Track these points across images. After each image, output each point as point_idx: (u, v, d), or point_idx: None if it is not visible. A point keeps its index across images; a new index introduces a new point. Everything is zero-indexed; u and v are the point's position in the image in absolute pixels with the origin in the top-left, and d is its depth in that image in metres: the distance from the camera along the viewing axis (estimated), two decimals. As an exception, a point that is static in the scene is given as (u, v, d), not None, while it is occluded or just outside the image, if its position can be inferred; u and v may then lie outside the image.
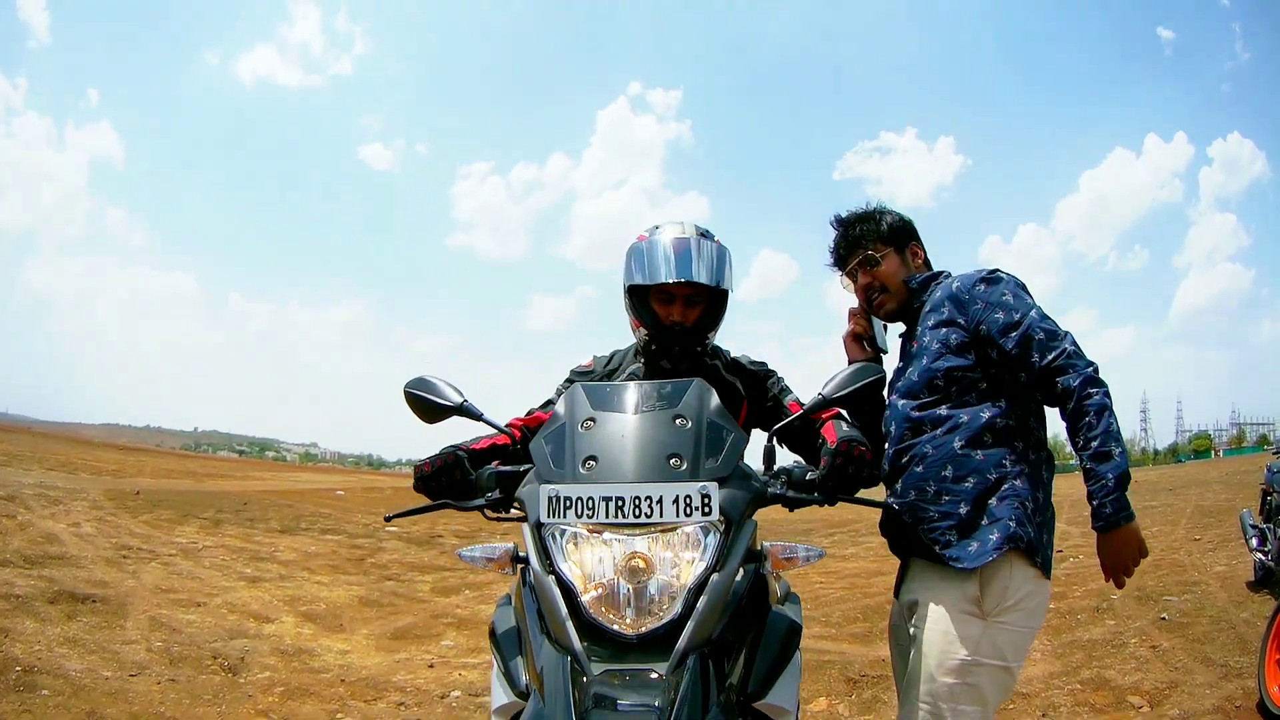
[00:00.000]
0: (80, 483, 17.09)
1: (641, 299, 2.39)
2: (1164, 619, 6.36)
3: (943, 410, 2.26)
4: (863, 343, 2.64)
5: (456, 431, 2.27)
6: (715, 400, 1.80)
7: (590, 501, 1.51)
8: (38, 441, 39.02)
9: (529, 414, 2.47)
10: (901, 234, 2.54)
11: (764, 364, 2.60)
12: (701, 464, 1.60)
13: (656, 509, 1.50)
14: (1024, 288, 2.31)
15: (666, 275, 2.30)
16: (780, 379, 2.57)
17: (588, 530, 1.53)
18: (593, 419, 1.69)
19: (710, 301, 2.39)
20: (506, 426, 2.37)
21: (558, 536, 1.54)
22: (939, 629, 2.13)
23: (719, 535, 1.55)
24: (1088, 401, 2.09)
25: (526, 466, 1.82)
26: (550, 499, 1.54)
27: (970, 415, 2.21)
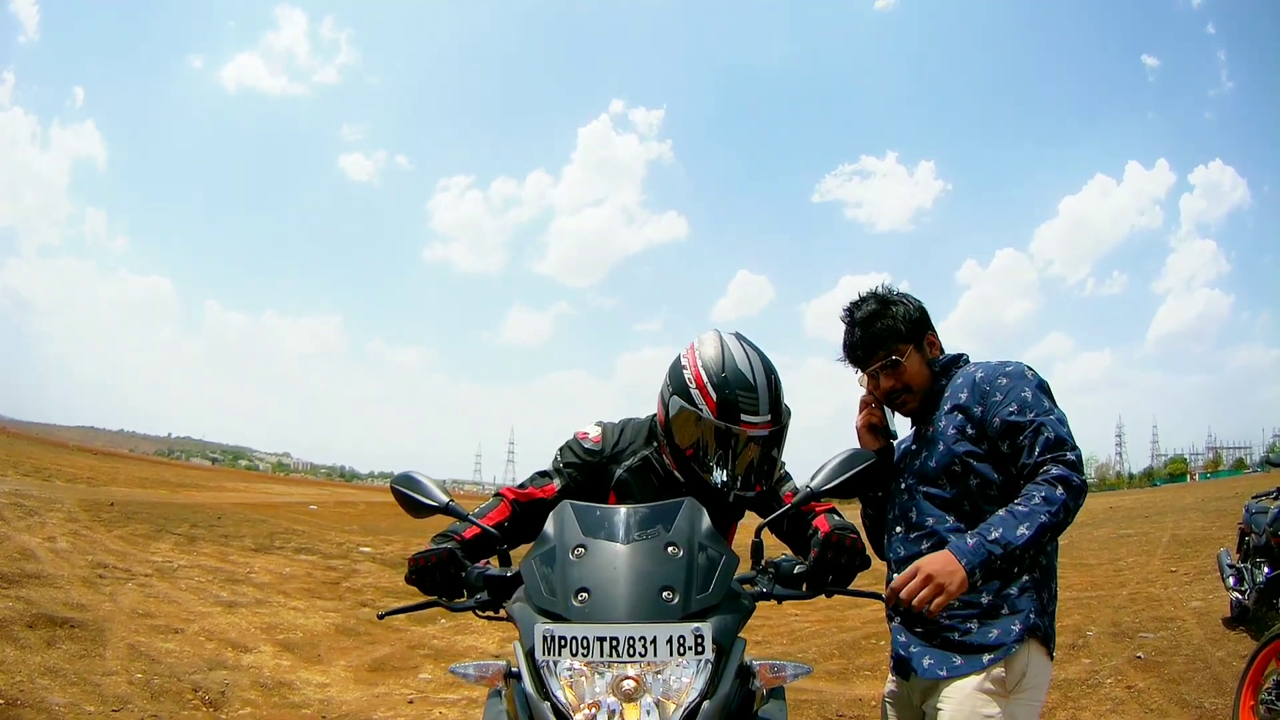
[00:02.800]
0: (55, 491, 16.72)
1: (679, 452, 2.26)
2: (1140, 657, 6.37)
3: (965, 504, 2.23)
4: (877, 432, 2.53)
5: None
6: (706, 521, 1.76)
7: (585, 641, 1.49)
8: (13, 443, 38.19)
9: (521, 487, 2.40)
10: (919, 327, 2.45)
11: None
12: (693, 596, 1.58)
13: (650, 649, 1.48)
14: (1046, 389, 2.24)
15: (710, 470, 2.20)
16: (781, 465, 2.42)
17: (582, 664, 1.51)
18: (583, 546, 1.66)
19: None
20: (497, 496, 2.39)
21: (553, 667, 1.51)
22: (966, 707, 2.11)
23: (710, 667, 1.52)
24: (1058, 487, 2.02)
25: (513, 571, 1.88)
26: (546, 638, 1.50)
27: (992, 508, 2.11)
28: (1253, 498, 7.58)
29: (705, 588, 1.61)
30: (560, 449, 2.47)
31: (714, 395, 2.17)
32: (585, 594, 1.56)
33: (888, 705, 2.43)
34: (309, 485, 66.67)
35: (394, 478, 2.07)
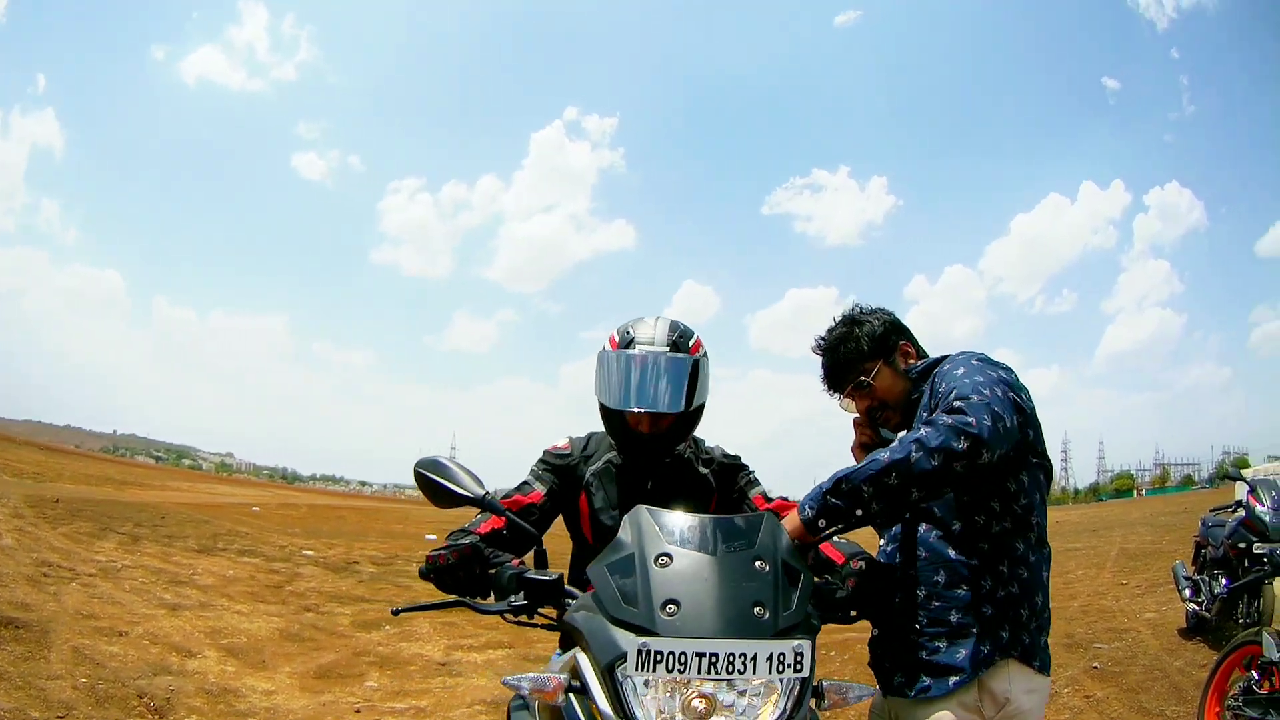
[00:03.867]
0: (2, 486, 16.43)
1: (607, 409, 2.33)
2: (1096, 667, 6.49)
3: (936, 510, 2.11)
4: (868, 452, 2.34)
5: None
6: (786, 537, 1.70)
7: (683, 658, 1.41)
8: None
9: (507, 496, 2.35)
10: (885, 341, 2.39)
11: (738, 457, 2.56)
12: (780, 613, 1.51)
13: (750, 666, 1.42)
14: (983, 365, 2.11)
15: (626, 401, 2.25)
16: (750, 472, 2.53)
17: (668, 681, 1.43)
18: (668, 555, 1.55)
19: (681, 413, 2.30)
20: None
21: (638, 686, 1.42)
22: None
23: (799, 687, 1.48)
24: (922, 429, 1.87)
25: (555, 574, 1.78)
26: (642, 652, 1.40)
27: (964, 520, 2.06)
28: (1210, 511, 7.88)
29: (789, 605, 1.54)
30: (535, 463, 2.48)
31: (619, 336, 2.33)
32: (674, 606, 1.47)
33: (874, 717, 2.29)
34: (252, 486, 65.59)
35: (420, 461, 1.94)
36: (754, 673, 1.42)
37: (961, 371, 2.08)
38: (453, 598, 1.85)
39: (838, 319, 2.50)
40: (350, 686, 6.05)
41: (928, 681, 2.02)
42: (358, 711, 5.47)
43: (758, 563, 1.57)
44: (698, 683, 1.42)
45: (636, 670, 1.41)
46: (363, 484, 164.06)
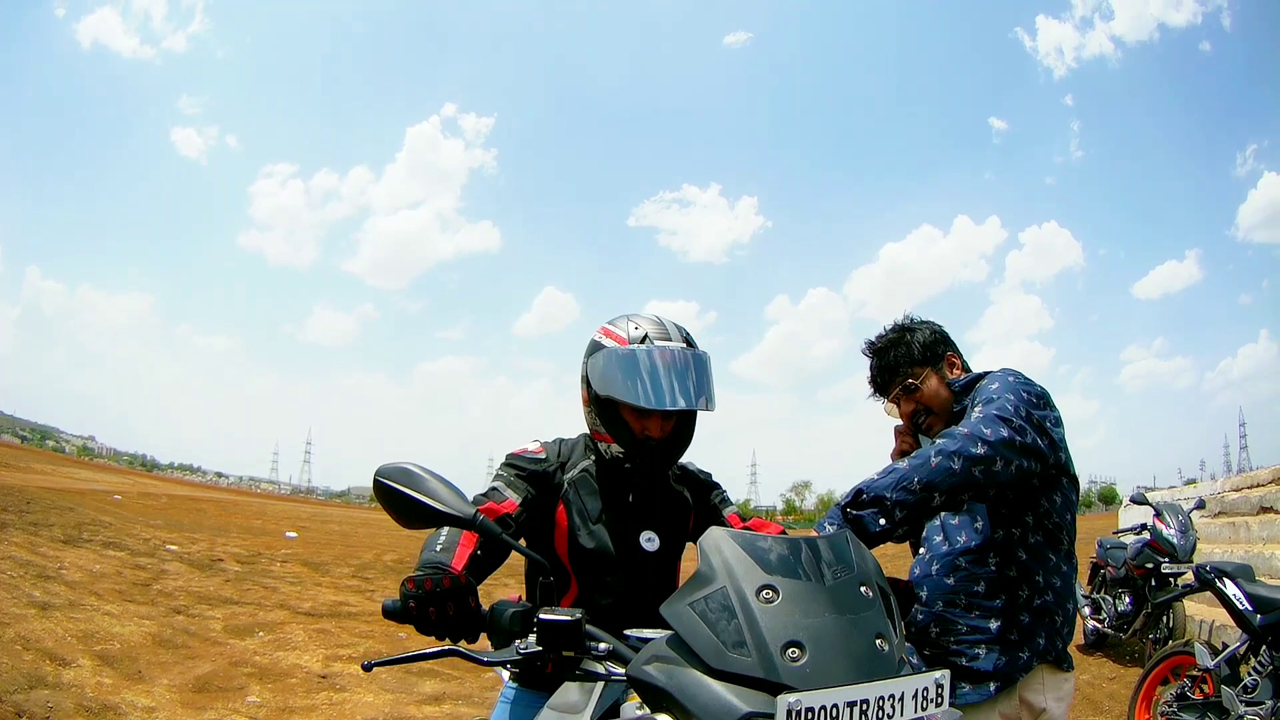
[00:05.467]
0: None
1: (611, 409, 2.10)
2: None
3: (978, 523, 2.19)
4: None
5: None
6: (870, 554, 1.50)
7: (834, 710, 1.17)
8: None
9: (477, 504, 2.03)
10: (935, 350, 2.44)
11: (709, 474, 2.40)
12: (894, 641, 1.33)
13: (897, 708, 1.23)
14: (1018, 386, 2.13)
15: (658, 399, 2.01)
16: (722, 490, 2.37)
17: None
18: (772, 588, 1.28)
19: (685, 415, 2.16)
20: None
21: None
22: None
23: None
24: (938, 439, 1.94)
25: (573, 612, 1.46)
26: (793, 713, 1.14)
27: (1004, 532, 2.12)
28: (1114, 533, 8.54)
29: (899, 631, 1.38)
30: (501, 467, 2.17)
31: (624, 331, 2.11)
32: (796, 650, 1.22)
33: None
34: (112, 472, 62.01)
35: (382, 470, 1.53)
36: (901, 714, 1.24)
37: (995, 386, 2.15)
38: (438, 645, 1.51)
39: (888, 326, 2.55)
40: (232, 701, 6.00)
41: (967, 688, 2.08)
42: (244, 732, 5.46)
43: (863, 588, 1.36)
44: None
45: None
46: (219, 475, 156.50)
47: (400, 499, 1.50)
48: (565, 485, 2.18)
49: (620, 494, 2.19)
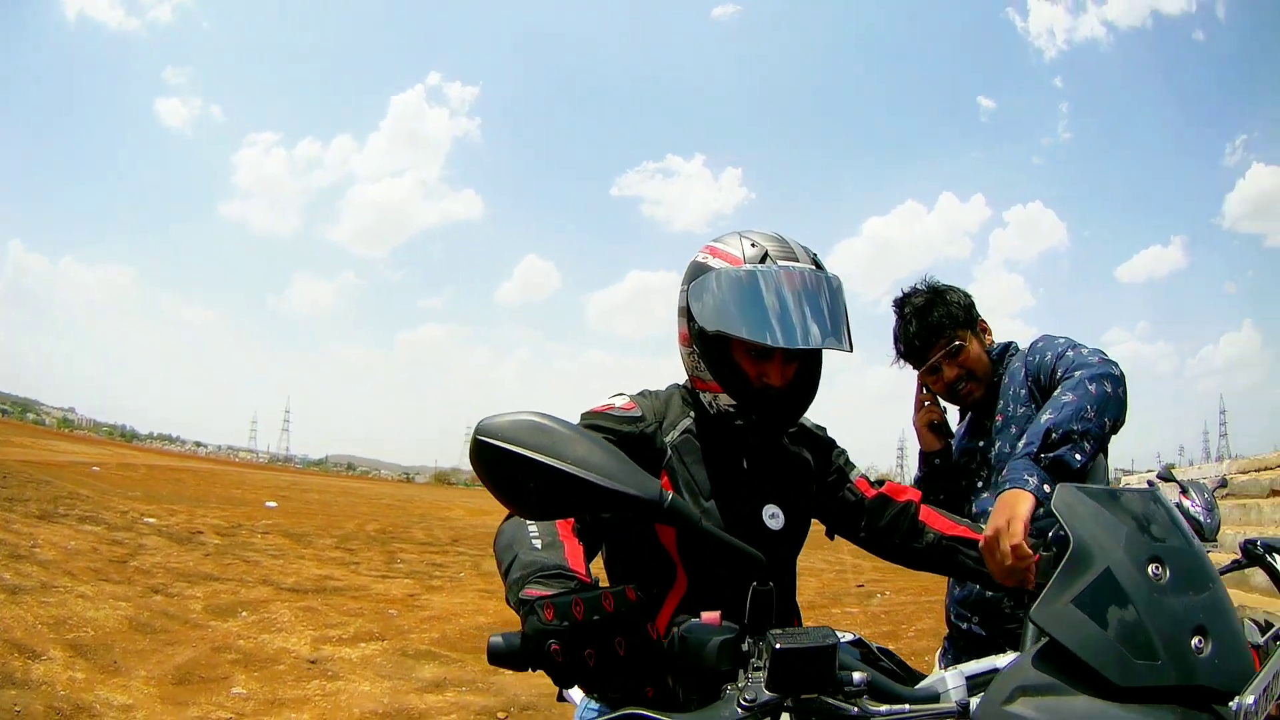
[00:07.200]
0: None
1: (722, 349, 1.59)
2: None
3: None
4: (938, 431, 2.39)
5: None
6: None
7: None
8: None
9: None
10: (972, 312, 2.32)
11: (825, 428, 1.87)
12: None
13: None
14: (1076, 343, 2.08)
15: (791, 336, 1.51)
16: (843, 449, 1.85)
17: None
18: (1160, 559, 0.96)
19: (810, 358, 1.65)
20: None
21: None
22: None
23: None
24: (1075, 372, 1.85)
25: (822, 632, 0.93)
26: None
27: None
28: None
29: None
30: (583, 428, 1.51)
31: (738, 249, 1.59)
32: (1201, 638, 0.90)
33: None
34: (92, 444, 60.89)
35: (491, 426, 0.92)
36: None
37: (1063, 341, 2.08)
38: (594, 703, 1.17)
39: (918, 286, 2.39)
40: (215, 694, 5.56)
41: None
42: (230, 729, 5.04)
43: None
44: None
45: None
46: (198, 445, 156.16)
47: (533, 471, 0.91)
48: (668, 451, 1.63)
49: (733, 459, 1.66)
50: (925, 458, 2.44)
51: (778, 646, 0.89)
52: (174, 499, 17.36)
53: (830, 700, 0.94)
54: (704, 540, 0.98)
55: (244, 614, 7.81)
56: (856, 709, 0.95)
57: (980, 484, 2.28)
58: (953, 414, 2.51)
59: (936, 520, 1.71)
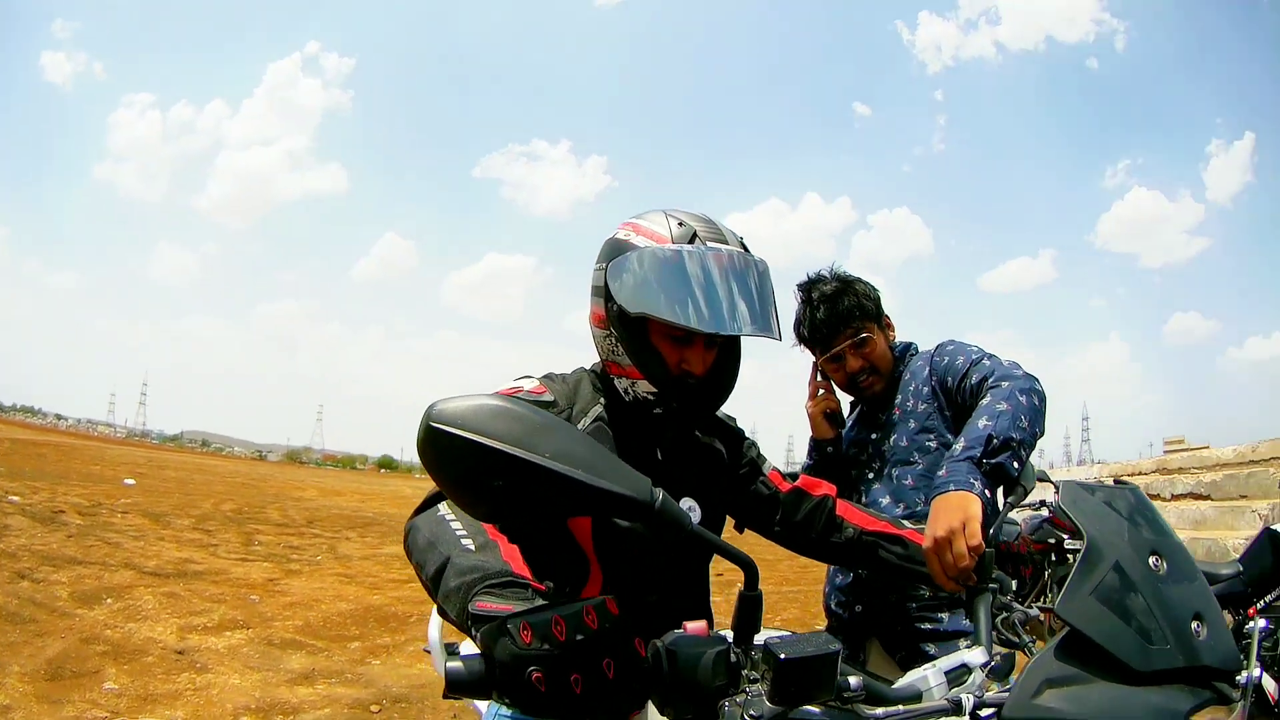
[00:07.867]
0: None
1: (641, 332, 1.47)
2: None
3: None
4: (832, 420, 2.35)
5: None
6: None
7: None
8: None
9: None
10: (879, 307, 2.27)
11: (735, 418, 1.74)
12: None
13: None
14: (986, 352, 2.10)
15: (719, 321, 1.40)
16: (754, 441, 1.75)
17: None
18: (1159, 551, 1.05)
19: (729, 345, 1.54)
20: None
21: None
22: None
23: None
24: (1002, 383, 1.83)
25: (825, 637, 0.89)
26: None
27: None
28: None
29: None
30: None
31: (663, 227, 1.47)
32: (1198, 622, 1.01)
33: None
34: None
35: (448, 412, 0.78)
36: None
37: (975, 348, 2.09)
38: None
39: (824, 273, 2.32)
40: (88, 690, 5.76)
41: (933, 649, 2.03)
42: (106, 729, 5.33)
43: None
44: None
45: None
46: (59, 417, 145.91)
47: (501, 466, 0.78)
48: None
49: (647, 450, 1.55)
50: (817, 446, 2.39)
51: (782, 657, 0.84)
52: (36, 475, 16.49)
53: (833, 706, 0.94)
54: (691, 543, 0.90)
55: (109, 600, 7.91)
56: (857, 715, 0.96)
57: (871, 475, 2.26)
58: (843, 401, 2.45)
59: (854, 515, 1.64)
